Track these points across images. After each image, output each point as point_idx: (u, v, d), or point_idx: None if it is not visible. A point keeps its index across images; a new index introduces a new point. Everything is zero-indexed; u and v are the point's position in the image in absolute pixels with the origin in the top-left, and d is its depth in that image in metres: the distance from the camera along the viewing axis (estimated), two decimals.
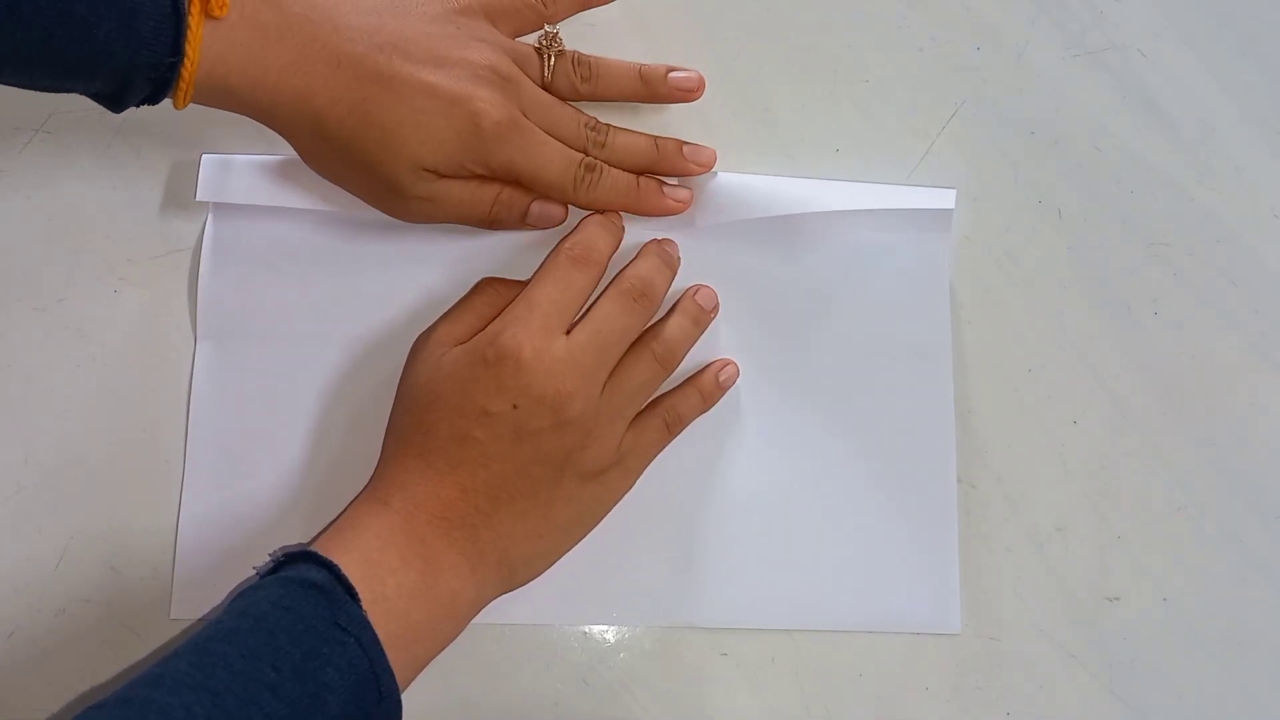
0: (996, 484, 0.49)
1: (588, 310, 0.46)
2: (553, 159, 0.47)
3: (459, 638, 0.45)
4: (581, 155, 0.48)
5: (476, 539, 0.43)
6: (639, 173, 0.49)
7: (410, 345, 0.48)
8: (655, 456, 0.48)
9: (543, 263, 0.47)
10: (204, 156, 0.49)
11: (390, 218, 0.49)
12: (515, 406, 0.43)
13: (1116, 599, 0.48)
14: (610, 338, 0.45)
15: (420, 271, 0.49)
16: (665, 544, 0.48)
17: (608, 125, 0.49)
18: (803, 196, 0.49)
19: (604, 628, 0.47)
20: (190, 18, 0.40)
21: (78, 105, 0.50)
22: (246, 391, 0.48)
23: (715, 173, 0.50)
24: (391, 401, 0.47)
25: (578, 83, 0.49)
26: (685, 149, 0.50)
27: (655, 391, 0.47)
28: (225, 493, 0.47)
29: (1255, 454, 0.50)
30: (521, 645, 0.47)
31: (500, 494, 0.43)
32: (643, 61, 0.50)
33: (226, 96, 0.43)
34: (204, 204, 0.49)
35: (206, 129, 0.50)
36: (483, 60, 0.45)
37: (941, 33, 0.53)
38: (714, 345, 0.49)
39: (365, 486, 0.45)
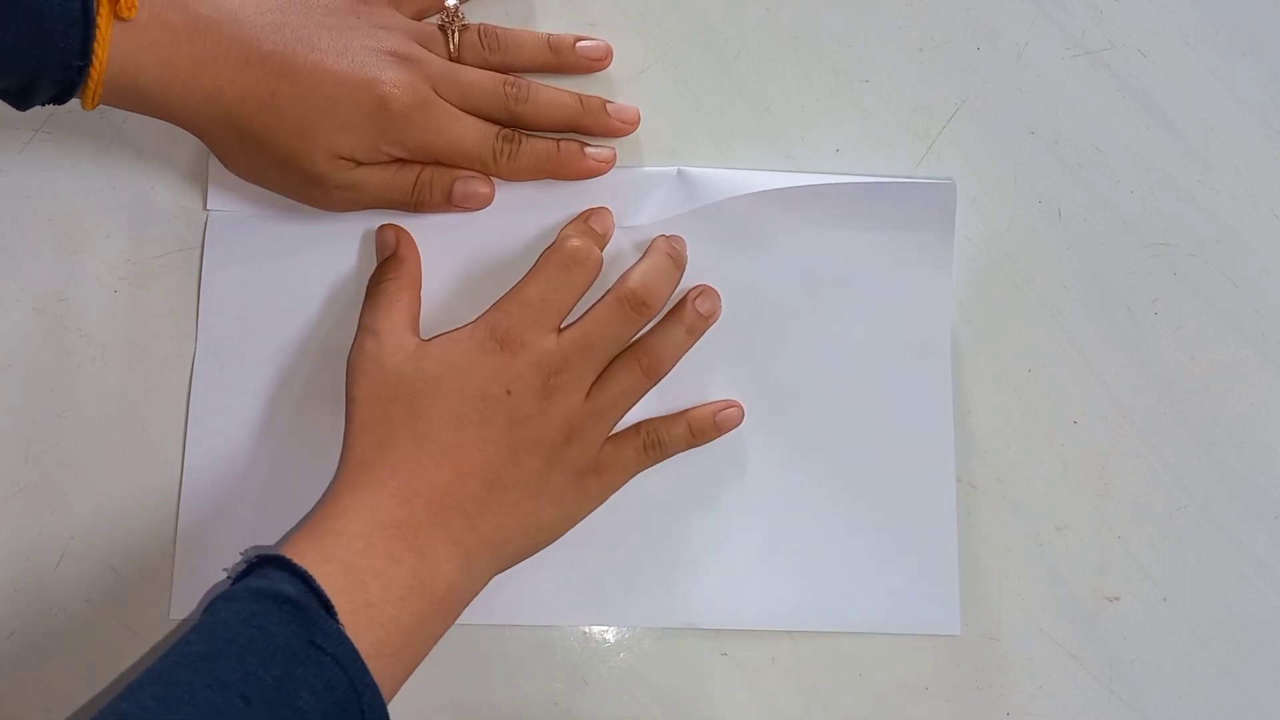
0: (996, 484, 0.49)
1: (585, 312, 0.47)
2: (467, 132, 0.47)
3: (459, 637, 0.45)
4: (498, 127, 0.48)
5: (473, 527, 0.42)
6: (564, 130, 0.49)
7: None
8: (633, 476, 0.47)
9: (537, 260, 0.47)
10: (212, 160, 0.49)
11: (390, 218, 0.49)
12: (509, 392, 0.44)
13: (1116, 599, 0.48)
14: (598, 341, 0.46)
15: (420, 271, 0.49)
16: (665, 545, 0.48)
17: (528, 81, 0.49)
18: (802, 189, 0.49)
19: (604, 628, 0.47)
20: (99, 19, 0.40)
21: (78, 105, 0.50)
22: (246, 392, 0.48)
23: (713, 171, 0.50)
24: None
25: (486, 54, 0.49)
26: (610, 106, 0.50)
27: (638, 400, 0.47)
28: (225, 493, 0.47)
29: (1255, 454, 0.50)
30: (521, 645, 0.47)
31: (495, 481, 0.43)
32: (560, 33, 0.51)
33: (136, 98, 0.43)
34: (203, 203, 0.49)
35: None
36: (386, 45, 0.46)
37: (941, 33, 0.53)
38: (714, 345, 0.49)
39: (340, 477, 0.44)
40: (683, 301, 0.49)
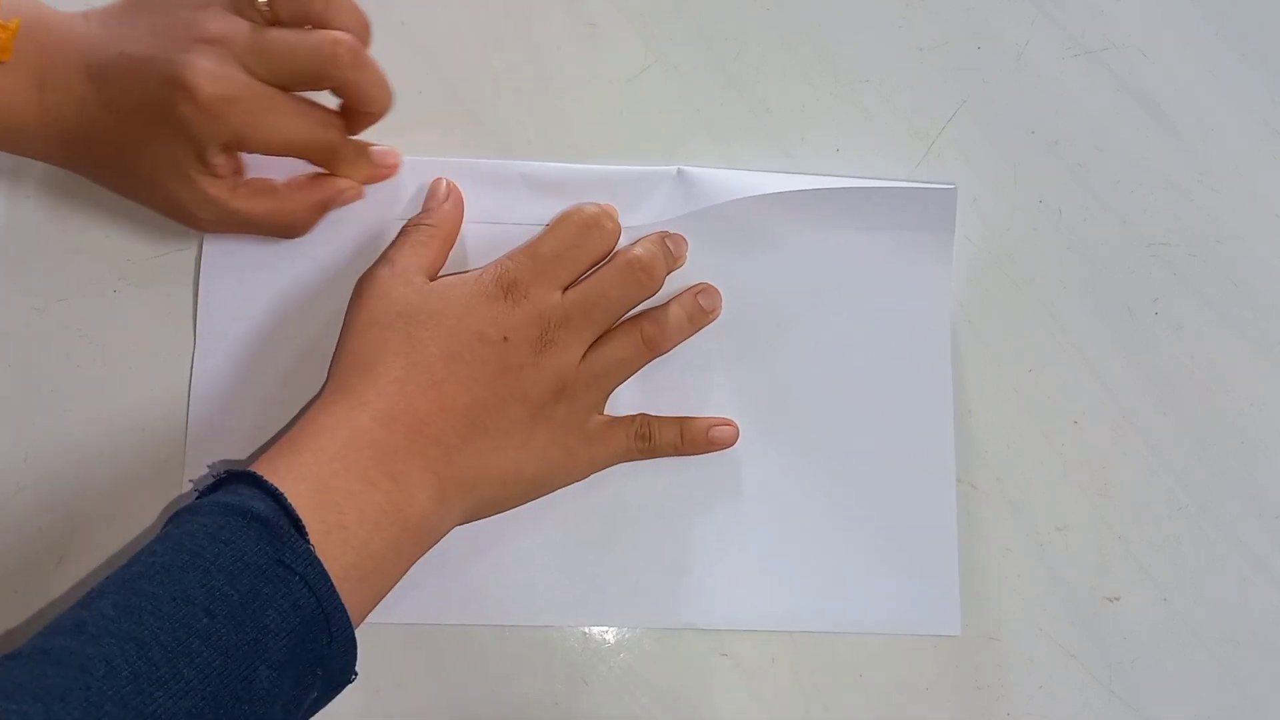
0: (996, 484, 0.49)
1: (590, 274, 0.47)
2: (290, 125, 0.43)
3: (459, 637, 0.45)
4: (324, 116, 0.44)
5: (450, 461, 0.42)
6: (370, 107, 0.44)
7: None
8: (618, 461, 0.47)
9: (553, 219, 0.48)
10: None
11: (391, 217, 0.49)
12: (506, 339, 0.44)
13: (1116, 599, 0.48)
14: (600, 302, 0.46)
15: None
16: (665, 545, 0.48)
17: (358, 44, 0.43)
18: (803, 192, 0.49)
19: (604, 628, 0.47)
20: None
21: None
22: (246, 391, 0.48)
23: (713, 171, 0.50)
24: None
25: (304, 9, 0.43)
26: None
27: (634, 370, 0.47)
28: None
29: (1255, 454, 0.50)
30: (521, 645, 0.47)
31: (478, 421, 0.43)
32: None
33: (10, 140, 0.43)
34: None
35: None
36: (195, 30, 0.42)
37: (941, 33, 0.53)
38: (714, 344, 0.49)
39: (322, 396, 0.44)
40: (686, 292, 0.49)
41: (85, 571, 0.47)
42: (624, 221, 0.50)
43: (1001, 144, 0.52)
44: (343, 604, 0.37)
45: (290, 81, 0.43)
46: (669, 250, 0.49)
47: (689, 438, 0.48)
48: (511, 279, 0.45)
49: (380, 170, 0.49)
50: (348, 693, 0.39)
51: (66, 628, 0.33)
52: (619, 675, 0.47)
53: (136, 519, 0.47)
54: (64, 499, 0.47)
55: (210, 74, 0.41)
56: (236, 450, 0.47)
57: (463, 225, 0.49)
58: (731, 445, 0.48)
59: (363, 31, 0.44)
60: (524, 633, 0.47)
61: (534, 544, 0.47)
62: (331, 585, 0.36)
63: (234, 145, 0.43)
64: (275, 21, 0.43)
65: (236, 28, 0.42)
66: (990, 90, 0.53)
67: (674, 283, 0.49)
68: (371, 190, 0.49)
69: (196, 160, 0.42)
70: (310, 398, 0.48)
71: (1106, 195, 0.52)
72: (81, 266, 0.49)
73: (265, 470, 0.38)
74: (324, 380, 0.48)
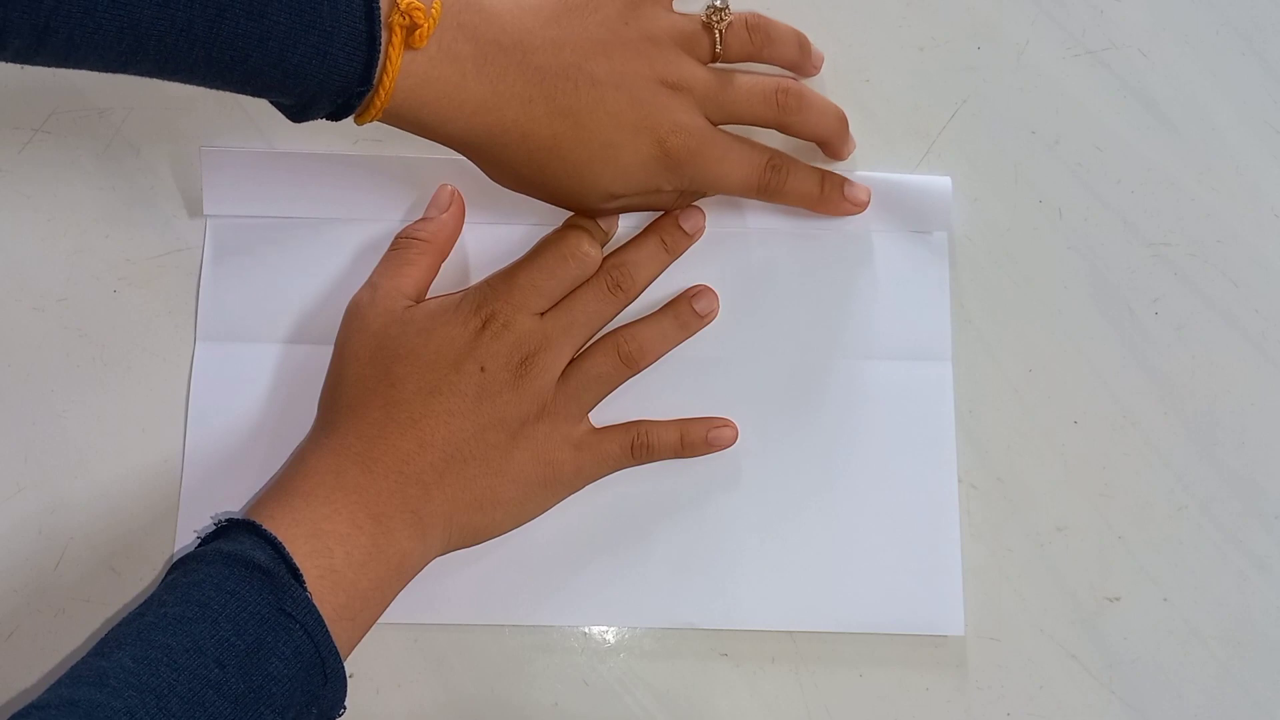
0: (997, 484, 0.49)
1: (568, 295, 0.47)
2: (735, 170, 0.47)
3: (460, 638, 0.45)
4: (766, 157, 0.47)
5: (429, 497, 0.43)
6: (813, 141, 0.49)
7: None
8: (613, 471, 0.47)
9: (535, 244, 0.48)
10: (204, 160, 0.49)
11: (394, 220, 0.49)
12: (483, 369, 0.44)
13: (1116, 599, 0.48)
14: (581, 319, 0.46)
15: None
16: (666, 545, 0.48)
17: (801, 88, 0.48)
18: None
19: (604, 628, 0.47)
20: (390, 48, 0.39)
21: (78, 105, 0.50)
22: (246, 391, 0.48)
23: None
24: None
25: (753, 49, 0.48)
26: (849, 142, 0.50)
27: (615, 386, 0.47)
28: (225, 493, 0.47)
29: (1255, 454, 0.50)
30: (521, 645, 0.47)
31: (455, 454, 0.43)
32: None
33: (414, 125, 0.43)
34: (201, 206, 0.49)
35: (207, 129, 0.50)
36: (658, 69, 0.45)
37: (941, 33, 0.53)
38: (713, 344, 0.49)
39: (310, 436, 0.45)
40: (680, 297, 0.49)
41: (85, 571, 0.47)
42: (624, 222, 0.50)
43: (1001, 144, 0.52)
44: (336, 647, 0.38)
45: (740, 123, 0.47)
46: (661, 248, 0.48)
47: (689, 440, 0.47)
48: (489, 309, 0.45)
49: (848, 207, 0.49)
50: (349, 693, 0.39)
51: (90, 679, 0.35)
52: (619, 675, 0.47)
53: (136, 519, 0.47)
54: (64, 499, 0.47)
55: (684, 130, 0.45)
56: (235, 450, 0.47)
57: (470, 217, 0.49)
58: (731, 446, 0.48)
59: (803, 55, 0.49)
60: (524, 633, 0.47)
61: (534, 544, 0.47)
62: (326, 631, 0.38)
63: (684, 186, 0.46)
64: (722, 59, 0.47)
65: (695, 73, 0.46)
66: (990, 90, 0.53)
67: (675, 283, 0.49)
68: (372, 193, 0.49)
69: (632, 191, 0.45)
70: (310, 397, 0.48)
71: (1107, 195, 0.52)
72: (81, 266, 0.49)
73: (262, 517, 0.40)
74: (323, 381, 0.48)
